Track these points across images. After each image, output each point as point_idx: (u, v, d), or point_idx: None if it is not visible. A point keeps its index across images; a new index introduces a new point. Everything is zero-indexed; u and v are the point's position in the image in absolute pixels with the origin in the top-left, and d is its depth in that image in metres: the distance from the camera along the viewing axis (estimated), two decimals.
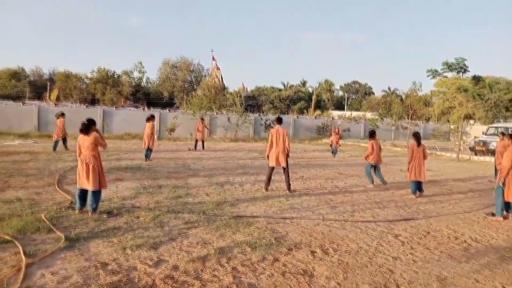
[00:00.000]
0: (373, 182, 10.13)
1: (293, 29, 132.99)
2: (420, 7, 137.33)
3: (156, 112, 26.60)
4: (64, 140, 15.39)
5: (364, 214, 7.09)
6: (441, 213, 7.47)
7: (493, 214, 7.27)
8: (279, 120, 9.13)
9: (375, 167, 10.28)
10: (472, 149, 20.28)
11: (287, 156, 8.76)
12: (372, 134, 10.43)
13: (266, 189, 8.80)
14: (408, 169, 8.94)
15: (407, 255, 5.02)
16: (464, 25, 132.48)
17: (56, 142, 14.97)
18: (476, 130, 32.45)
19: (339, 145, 18.65)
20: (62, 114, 15.64)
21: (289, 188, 8.80)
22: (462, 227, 6.51)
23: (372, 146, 10.14)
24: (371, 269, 4.46)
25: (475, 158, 18.83)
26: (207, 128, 18.45)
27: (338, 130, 18.72)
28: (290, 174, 9.11)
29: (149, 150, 13.28)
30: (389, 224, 6.47)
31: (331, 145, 18.76)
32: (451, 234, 6.07)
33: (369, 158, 10.19)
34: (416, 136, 9.02)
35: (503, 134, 12.10)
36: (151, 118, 13.68)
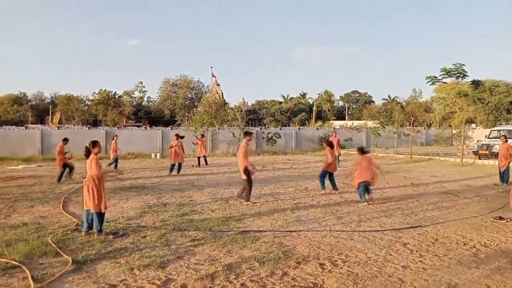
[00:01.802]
0: (324, 188, 10.30)
1: (291, 43, 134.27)
2: (417, 15, 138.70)
3: (158, 130, 26.73)
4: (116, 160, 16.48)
5: (371, 224, 7.05)
6: (448, 219, 7.42)
7: (501, 218, 7.22)
8: (246, 134, 9.21)
9: (331, 174, 10.45)
10: (475, 153, 20.24)
11: (245, 168, 8.71)
12: (329, 144, 10.66)
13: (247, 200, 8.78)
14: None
15: (416, 263, 4.97)
16: (462, 31, 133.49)
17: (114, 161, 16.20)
18: (478, 134, 32.40)
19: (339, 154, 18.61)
20: (115, 136, 17.73)
21: (239, 195, 9.04)
22: (470, 232, 6.46)
23: (331, 154, 10.33)
24: (381, 279, 4.42)
25: (479, 162, 18.75)
26: (195, 143, 19.05)
27: (335, 134, 19.01)
28: (252, 187, 9.06)
29: (178, 165, 14.74)
30: (396, 233, 6.43)
31: None
32: (459, 240, 6.02)
33: (330, 167, 10.34)
34: (361, 150, 9.43)
35: (505, 136, 12.13)
36: (176, 136, 15.35)
